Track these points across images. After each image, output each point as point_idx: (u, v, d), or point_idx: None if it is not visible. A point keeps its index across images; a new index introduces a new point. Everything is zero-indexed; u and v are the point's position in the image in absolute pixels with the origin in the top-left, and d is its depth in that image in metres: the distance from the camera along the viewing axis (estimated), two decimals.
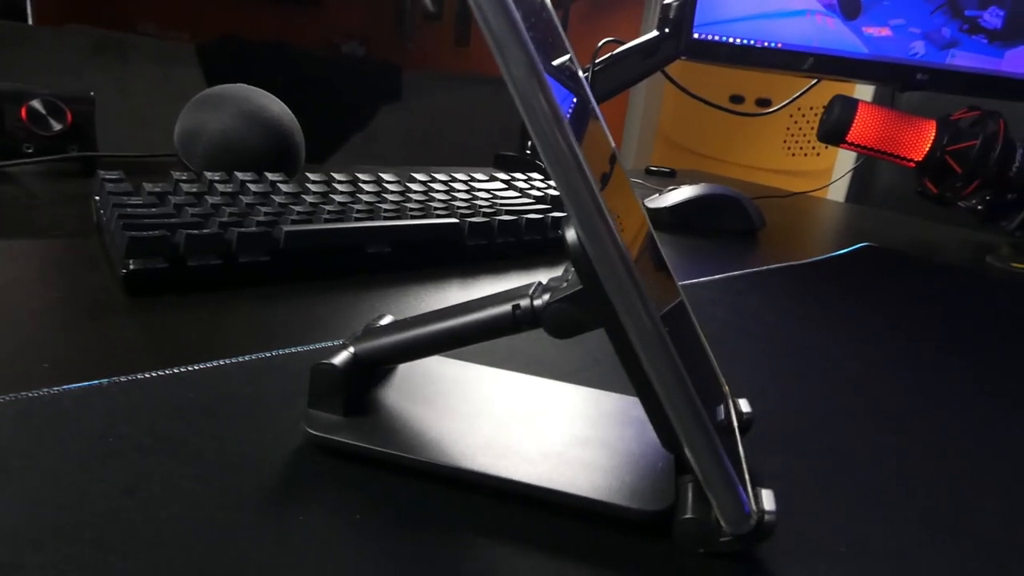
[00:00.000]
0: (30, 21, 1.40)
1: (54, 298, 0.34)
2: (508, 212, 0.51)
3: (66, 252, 0.40)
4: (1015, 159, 0.70)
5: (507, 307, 0.22)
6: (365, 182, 0.52)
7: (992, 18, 0.74)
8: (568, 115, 0.21)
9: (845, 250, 0.64)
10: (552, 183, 0.57)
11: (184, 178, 0.45)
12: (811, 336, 0.41)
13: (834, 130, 0.71)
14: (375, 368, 0.26)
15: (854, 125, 0.70)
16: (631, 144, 2.05)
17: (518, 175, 0.63)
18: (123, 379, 0.26)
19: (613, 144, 0.27)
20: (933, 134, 0.71)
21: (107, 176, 0.44)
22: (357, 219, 0.44)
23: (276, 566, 0.18)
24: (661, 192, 0.69)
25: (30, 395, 0.25)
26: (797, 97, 0.90)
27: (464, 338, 0.23)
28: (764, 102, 0.93)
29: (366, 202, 0.47)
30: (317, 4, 1.74)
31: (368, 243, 0.43)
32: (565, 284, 0.21)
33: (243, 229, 0.38)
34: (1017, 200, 0.74)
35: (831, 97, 0.72)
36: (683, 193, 0.67)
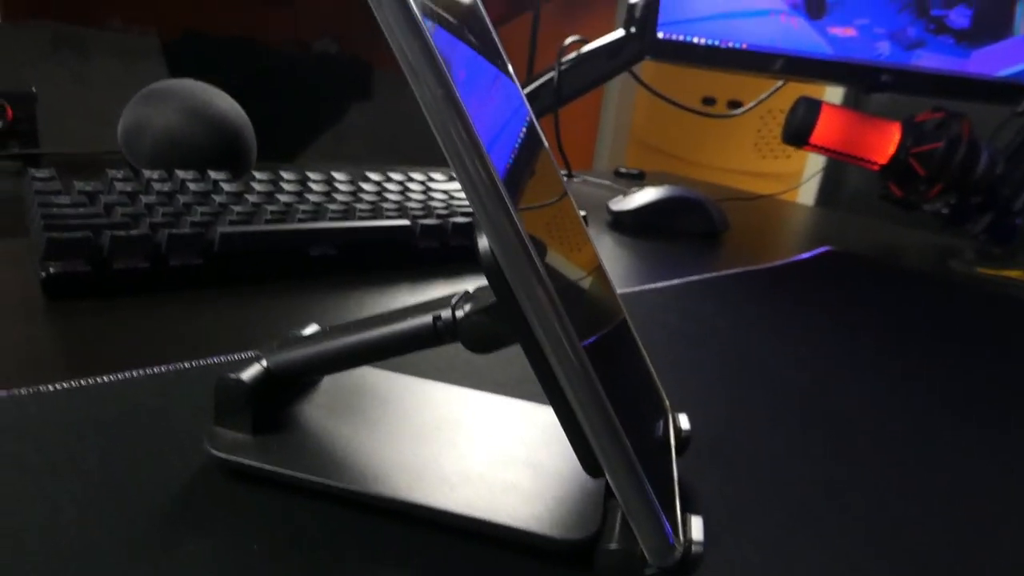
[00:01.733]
0: None
1: None
2: (464, 214, 0.50)
3: None
4: (979, 162, 0.70)
5: (427, 318, 0.21)
6: (315, 181, 0.50)
7: (959, 17, 0.73)
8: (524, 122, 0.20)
9: (805, 255, 0.64)
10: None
11: (119, 176, 0.43)
12: (761, 344, 0.40)
13: (797, 132, 0.70)
14: (292, 381, 0.24)
15: (817, 127, 0.70)
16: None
17: None
18: (23, 391, 0.25)
19: (564, 179, 0.26)
20: (898, 136, 0.70)
21: (36, 175, 0.42)
22: (301, 220, 0.42)
23: None
24: (625, 194, 0.68)
25: None
26: (764, 99, 0.89)
27: (383, 351, 0.22)
28: (736, 104, 0.92)
29: (313, 202, 0.45)
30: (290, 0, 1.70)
31: (312, 245, 0.41)
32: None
33: (174, 231, 0.37)
34: (982, 204, 0.74)
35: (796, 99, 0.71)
36: (646, 196, 0.66)
